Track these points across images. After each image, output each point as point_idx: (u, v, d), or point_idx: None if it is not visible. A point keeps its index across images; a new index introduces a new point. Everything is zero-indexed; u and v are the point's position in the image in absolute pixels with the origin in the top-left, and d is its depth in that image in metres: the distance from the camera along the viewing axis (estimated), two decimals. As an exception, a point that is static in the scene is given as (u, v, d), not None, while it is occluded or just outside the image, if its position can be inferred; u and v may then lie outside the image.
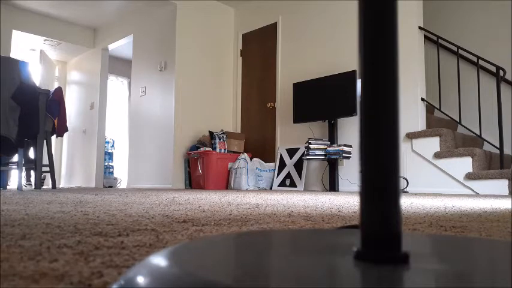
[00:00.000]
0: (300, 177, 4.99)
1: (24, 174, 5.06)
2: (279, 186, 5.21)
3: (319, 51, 5.21)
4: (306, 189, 5.06)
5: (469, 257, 0.39)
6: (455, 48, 4.35)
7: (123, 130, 8.27)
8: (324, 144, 4.52)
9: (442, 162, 3.98)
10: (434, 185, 4.03)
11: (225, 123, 6.18)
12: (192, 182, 5.47)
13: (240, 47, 6.29)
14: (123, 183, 7.65)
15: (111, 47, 6.98)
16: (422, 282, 0.28)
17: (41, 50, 6.88)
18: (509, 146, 4.37)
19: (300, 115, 4.90)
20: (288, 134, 5.45)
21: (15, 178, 5.83)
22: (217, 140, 5.35)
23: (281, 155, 5.34)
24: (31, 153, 4.60)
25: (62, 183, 7.67)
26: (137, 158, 6.03)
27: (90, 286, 0.38)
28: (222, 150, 5.37)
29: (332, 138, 4.63)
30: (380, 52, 0.35)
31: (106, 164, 7.12)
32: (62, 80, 7.67)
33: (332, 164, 4.56)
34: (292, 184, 5.06)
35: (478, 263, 0.36)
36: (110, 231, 0.80)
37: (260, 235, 0.51)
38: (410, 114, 4.28)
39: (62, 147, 7.64)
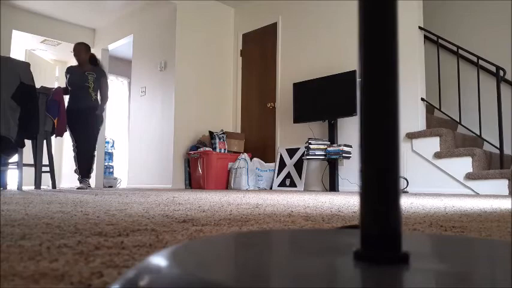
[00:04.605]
0: (300, 177, 4.99)
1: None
2: (279, 186, 5.21)
3: (319, 51, 5.21)
4: (306, 189, 5.06)
5: (469, 257, 0.39)
6: (455, 48, 4.35)
7: (123, 130, 8.27)
8: (324, 144, 4.52)
9: (442, 162, 3.98)
10: (434, 185, 4.03)
11: (225, 123, 6.18)
12: (192, 182, 5.47)
13: (240, 47, 6.29)
14: (123, 183, 7.64)
15: (111, 47, 6.97)
16: (422, 283, 0.28)
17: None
18: (509, 146, 4.37)
19: (300, 115, 4.89)
20: (288, 134, 5.45)
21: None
22: (217, 140, 5.35)
23: (281, 155, 5.34)
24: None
25: (62, 184, 7.67)
26: (137, 158, 6.03)
27: (90, 286, 0.38)
28: (222, 150, 5.37)
29: (332, 138, 4.63)
30: (380, 52, 0.35)
31: (106, 164, 7.12)
32: (62, 80, 7.66)
33: (332, 164, 4.56)
34: (292, 184, 5.06)
35: (478, 263, 0.36)
36: (110, 231, 0.80)
37: (260, 235, 0.51)
38: (411, 114, 4.28)
39: (62, 147, 7.64)
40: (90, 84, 4.52)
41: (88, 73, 4.54)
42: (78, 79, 4.52)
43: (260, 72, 5.97)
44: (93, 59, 4.73)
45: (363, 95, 0.35)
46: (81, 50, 4.62)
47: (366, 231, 0.34)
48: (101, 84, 4.62)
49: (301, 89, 4.94)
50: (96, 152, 4.67)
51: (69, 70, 4.63)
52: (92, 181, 6.77)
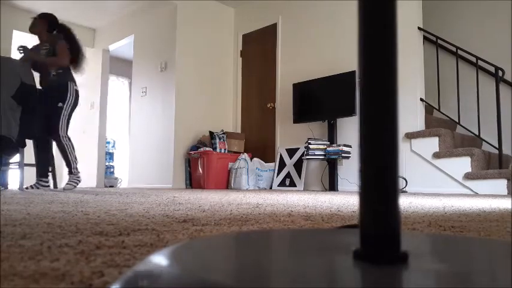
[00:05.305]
0: (300, 177, 4.99)
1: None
2: (278, 186, 5.21)
3: (319, 52, 5.21)
4: (306, 189, 5.06)
5: (468, 257, 0.39)
6: (454, 49, 4.35)
7: (123, 130, 8.27)
8: (324, 144, 4.52)
9: (441, 162, 3.98)
10: (433, 185, 4.03)
11: (225, 123, 6.18)
12: (193, 182, 5.47)
13: (240, 48, 6.29)
14: (123, 183, 7.64)
15: (112, 47, 6.97)
16: (421, 282, 0.28)
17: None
18: (508, 146, 4.37)
19: (300, 115, 4.90)
20: (288, 134, 5.46)
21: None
22: (217, 140, 5.35)
23: (281, 155, 5.34)
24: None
25: (63, 183, 7.66)
26: (138, 158, 6.03)
27: (91, 286, 0.38)
28: (222, 150, 5.37)
29: (332, 138, 4.63)
30: (379, 52, 0.35)
31: (107, 164, 7.12)
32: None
33: (332, 164, 4.56)
34: (292, 184, 5.06)
35: (477, 263, 0.36)
36: (110, 231, 0.80)
37: (260, 235, 0.51)
38: (410, 115, 4.29)
39: (61, 147, 7.63)
40: (45, 59, 3.74)
41: (43, 46, 3.77)
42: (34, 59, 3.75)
43: (260, 72, 5.97)
44: (50, 26, 3.85)
45: (363, 95, 0.35)
46: (34, 24, 3.85)
47: (365, 231, 0.34)
48: (57, 50, 3.71)
49: (301, 89, 4.94)
50: (64, 138, 3.70)
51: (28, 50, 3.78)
52: (93, 181, 6.75)
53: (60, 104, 3.68)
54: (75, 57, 3.85)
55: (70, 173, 3.82)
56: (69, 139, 3.77)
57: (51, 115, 3.67)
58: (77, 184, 3.84)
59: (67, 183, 3.79)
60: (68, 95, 3.72)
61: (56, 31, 3.87)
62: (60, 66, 3.72)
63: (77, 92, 3.81)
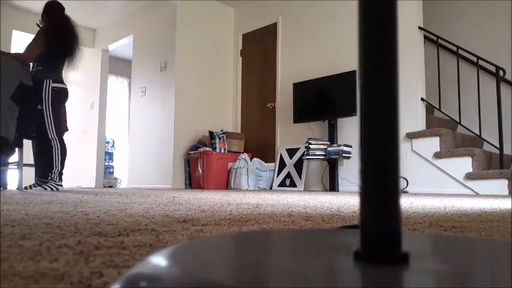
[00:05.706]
0: (300, 177, 4.99)
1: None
2: (279, 186, 5.21)
3: (319, 51, 5.21)
4: (306, 189, 5.06)
5: (469, 257, 0.39)
6: (455, 48, 4.35)
7: (123, 130, 8.27)
8: (324, 144, 4.52)
9: (442, 162, 3.98)
10: (434, 185, 4.03)
11: (225, 123, 6.18)
12: (192, 182, 5.47)
13: (240, 47, 6.29)
14: (123, 183, 7.64)
15: (111, 47, 6.97)
16: (422, 283, 0.28)
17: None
18: (509, 146, 4.37)
19: (300, 115, 4.90)
20: (288, 134, 5.46)
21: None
22: (217, 140, 5.35)
23: (281, 155, 5.34)
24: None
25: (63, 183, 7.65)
26: (137, 158, 6.03)
27: (90, 286, 0.38)
28: (222, 150, 5.37)
29: (332, 138, 4.63)
30: (380, 52, 0.35)
31: (106, 164, 7.12)
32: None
33: (332, 164, 4.56)
34: (292, 184, 5.06)
35: (478, 263, 0.36)
36: (110, 231, 0.80)
37: (260, 235, 0.51)
38: (410, 114, 4.28)
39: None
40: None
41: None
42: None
43: (260, 72, 5.97)
44: (45, 14, 3.78)
45: (363, 95, 0.35)
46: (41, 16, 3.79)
47: (365, 231, 0.34)
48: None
49: (301, 89, 4.94)
50: (54, 141, 3.62)
51: None
52: (92, 181, 6.76)
53: (39, 107, 3.57)
54: (62, 49, 3.67)
55: (48, 176, 3.67)
56: (60, 143, 3.67)
57: (41, 117, 3.59)
58: (52, 190, 3.64)
59: (43, 185, 3.66)
60: (43, 95, 3.57)
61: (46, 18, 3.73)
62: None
63: (56, 89, 3.61)
